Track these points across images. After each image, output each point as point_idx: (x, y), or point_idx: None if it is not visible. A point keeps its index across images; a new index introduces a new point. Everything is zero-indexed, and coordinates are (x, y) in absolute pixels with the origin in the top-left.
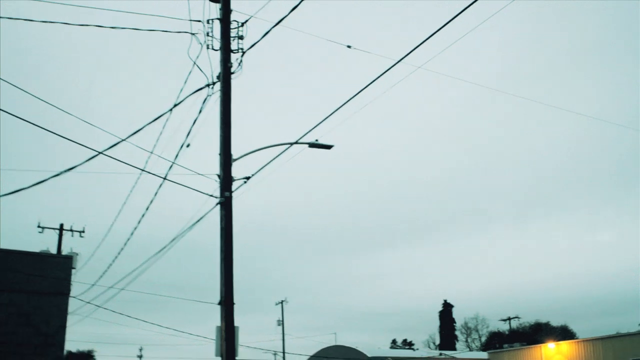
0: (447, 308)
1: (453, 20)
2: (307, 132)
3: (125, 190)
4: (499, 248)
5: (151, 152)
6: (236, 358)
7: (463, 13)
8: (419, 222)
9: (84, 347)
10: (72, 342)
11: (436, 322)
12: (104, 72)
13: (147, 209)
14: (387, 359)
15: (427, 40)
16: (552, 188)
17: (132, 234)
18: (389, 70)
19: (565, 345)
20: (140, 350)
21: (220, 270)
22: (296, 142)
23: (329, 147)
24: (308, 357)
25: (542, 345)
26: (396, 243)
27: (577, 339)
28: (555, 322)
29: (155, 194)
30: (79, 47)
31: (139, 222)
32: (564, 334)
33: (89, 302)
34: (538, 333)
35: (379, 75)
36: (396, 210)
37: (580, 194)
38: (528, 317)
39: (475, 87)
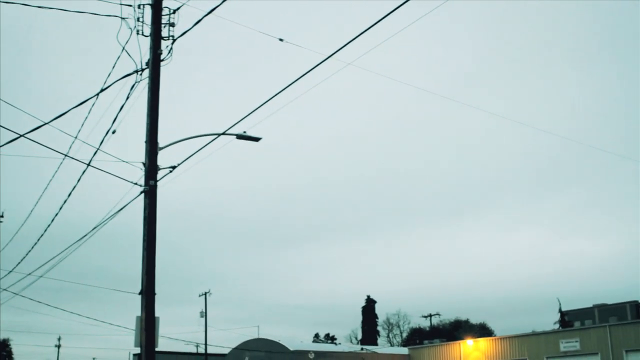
0: (369, 304)
1: (387, 18)
2: (236, 124)
3: (48, 175)
4: (422, 246)
5: (75, 137)
6: (156, 349)
7: (397, 12)
8: (344, 218)
9: None
10: None
11: (359, 318)
12: (29, 53)
13: (69, 195)
14: (309, 353)
15: (359, 38)
16: (472, 189)
17: (52, 220)
18: (320, 65)
19: (483, 342)
20: (59, 339)
21: (142, 259)
22: (224, 133)
23: (256, 139)
24: (230, 349)
25: (461, 341)
26: (321, 238)
27: (494, 336)
28: (474, 320)
29: (78, 180)
30: (3, 25)
31: (60, 208)
32: (482, 331)
33: (5, 290)
34: (458, 330)
35: (308, 70)
36: (321, 206)
37: (501, 196)
38: (448, 315)
39: (404, 87)
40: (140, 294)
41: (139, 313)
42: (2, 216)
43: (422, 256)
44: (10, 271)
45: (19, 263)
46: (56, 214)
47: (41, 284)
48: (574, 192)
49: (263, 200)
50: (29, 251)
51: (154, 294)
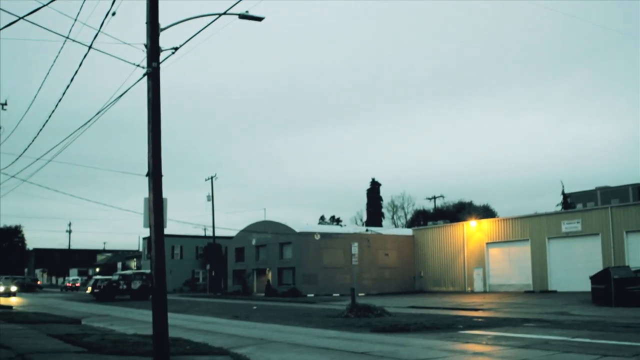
0: (374, 186)
1: None
2: (237, 3)
3: (49, 60)
4: (426, 129)
5: (75, 19)
6: (165, 232)
7: None
8: (348, 101)
9: (11, 222)
10: None
11: (364, 200)
12: None
13: (71, 79)
14: (315, 234)
15: None
16: (479, 71)
17: (56, 105)
18: None
19: (486, 223)
20: (70, 225)
21: (148, 141)
22: (225, 13)
23: (259, 19)
24: (237, 231)
25: (465, 223)
26: (326, 122)
27: (497, 217)
28: (478, 202)
29: (80, 64)
30: None
31: (64, 93)
32: (485, 213)
33: (13, 176)
34: (461, 212)
35: None
36: (326, 89)
37: (505, 79)
38: (452, 197)
39: None
40: (147, 175)
41: (147, 195)
42: (5, 104)
43: (426, 139)
44: (19, 157)
45: (26, 149)
46: (60, 99)
47: (49, 171)
48: (577, 76)
49: (267, 84)
50: (35, 137)
51: (160, 175)
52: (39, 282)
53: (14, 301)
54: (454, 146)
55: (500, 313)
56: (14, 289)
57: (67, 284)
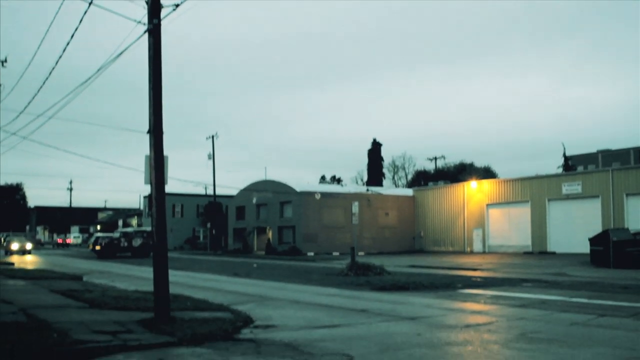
0: (375, 147)
1: None
2: None
3: (49, 17)
4: (428, 89)
5: None
6: (166, 191)
7: None
8: (352, 62)
9: (12, 180)
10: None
11: (365, 160)
12: None
13: (72, 36)
14: (315, 194)
15: None
16: (481, 32)
17: (57, 62)
18: None
19: (486, 184)
20: (71, 183)
21: (149, 99)
22: None
23: None
24: (238, 190)
25: (465, 183)
26: (329, 82)
27: (498, 179)
28: (479, 163)
29: (81, 20)
30: None
31: (64, 49)
32: (486, 174)
33: (14, 134)
34: (462, 173)
35: None
36: (330, 50)
37: (508, 41)
38: (453, 158)
39: None
40: (148, 132)
41: (148, 153)
42: (5, 61)
43: (428, 100)
44: (19, 114)
45: (27, 106)
46: (60, 56)
47: (51, 129)
48: (580, 39)
49: (269, 43)
50: (36, 94)
51: (161, 132)
52: (40, 240)
53: (28, 259)
54: (455, 107)
55: (499, 273)
56: (29, 246)
57: (58, 240)
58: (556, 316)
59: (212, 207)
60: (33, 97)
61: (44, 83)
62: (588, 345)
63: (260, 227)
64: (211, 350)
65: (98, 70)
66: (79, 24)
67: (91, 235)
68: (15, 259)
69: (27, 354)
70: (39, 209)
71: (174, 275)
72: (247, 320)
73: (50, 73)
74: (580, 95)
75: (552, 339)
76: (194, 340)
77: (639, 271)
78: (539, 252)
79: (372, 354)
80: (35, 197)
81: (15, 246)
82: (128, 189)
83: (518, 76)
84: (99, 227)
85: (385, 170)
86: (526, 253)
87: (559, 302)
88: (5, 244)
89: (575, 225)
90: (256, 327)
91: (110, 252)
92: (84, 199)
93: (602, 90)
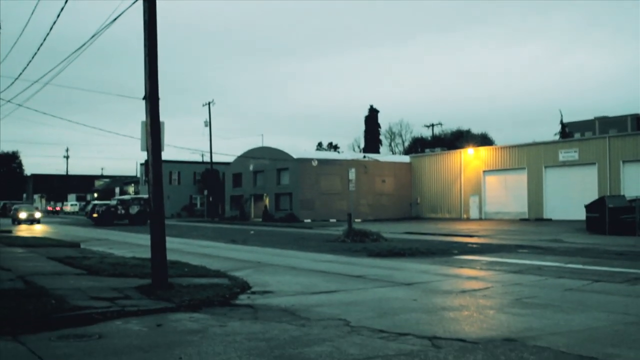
0: (372, 113)
1: None
2: None
3: None
4: (426, 56)
5: None
6: (163, 158)
7: None
8: (349, 29)
9: (8, 148)
10: None
11: (361, 127)
12: None
13: (65, 1)
14: (312, 160)
15: None
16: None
17: (51, 28)
18: None
19: (483, 151)
20: (67, 151)
21: (144, 64)
22: None
23: None
24: (235, 157)
25: (462, 150)
26: (325, 49)
27: (495, 145)
28: (476, 130)
29: None
30: None
31: (58, 15)
32: (483, 141)
33: (9, 101)
34: (459, 139)
35: None
36: (326, 16)
37: (505, 8)
38: (450, 124)
39: None
40: (144, 99)
41: (144, 119)
42: None
43: (425, 67)
44: (14, 80)
45: (22, 72)
46: (54, 22)
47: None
48: (578, 6)
49: (266, 10)
50: (30, 60)
51: (157, 98)
52: (37, 208)
53: (38, 229)
54: (453, 74)
55: (495, 240)
56: (38, 215)
57: (48, 208)
58: (551, 282)
59: (209, 174)
60: (28, 64)
61: (38, 49)
62: (583, 310)
63: (257, 194)
64: (209, 315)
65: (93, 36)
66: None
67: (88, 203)
68: (23, 229)
69: (26, 320)
70: (36, 177)
71: (171, 243)
72: (245, 287)
73: (44, 39)
74: (579, 63)
75: (547, 304)
76: (192, 306)
77: (634, 238)
78: (535, 218)
79: (368, 319)
80: (32, 165)
81: (23, 215)
82: (125, 157)
83: (516, 43)
84: (96, 194)
85: (382, 137)
86: (522, 220)
87: (554, 268)
88: (12, 212)
89: (571, 192)
90: (253, 293)
91: (108, 219)
92: (80, 166)
93: (601, 58)
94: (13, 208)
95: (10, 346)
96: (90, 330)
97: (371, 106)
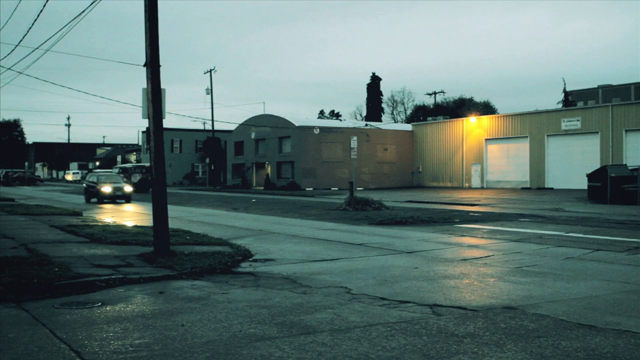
0: (375, 81)
1: None
2: None
3: None
4: (428, 24)
5: None
6: (164, 126)
7: None
8: None
9: (9, 117)
10: None
11: (364, 95)
12: None
13: None
14: (314, 128)
15: None
16: None
17: None
18: None
19: (485, 120)
20: (68, 119)
21: (145, 31)
22: None
23: None
24: (237, 125)
25: (464, 119)
26: (328, 16)
27: (497, 114)
28: (478, 98)
29: None
30: None
31: None
32: (485, 109)
33: (10, 69)
34: (461, 108)
35: None
36: None
37: None
38: (452, 93)
39: None
40: (145, 65)
41: (145, 86)
42: None
43: (428, 35)
44: (15, 47)
45: (22, 39)
46: None
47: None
48: None
49: None
50: (30, 27)
51: (158, 65)
52: (39, 177)
53: (129, 209)
54: (455, 42)
55: (496, 208)
56: (128, 189)
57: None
58: (552, 250)
59: (210, 142)
60: (28, 30)
61: (38, 15)
62: (583, 278)
63: (259, 162)
64: (211, 283)
65: (92, 2)
66: None
67: (90, 171)
68: (127, 212)
69: (29, 287)
70: (38, 145)
71: (173, 211)
72: (246, 254)
73: (44, 5)
74: (582, 30)
75: (547, 273)
76: (194, 274)
77: (635, 207)
78: (537, 187)
79: (369, 287)
80: (34, 133)
81: (107, 189)
82: (126, 125)
83: (519, 10)
84: (97, 163)
85: (384, 105)
86: (524, 189)
87: (555, 237)
88: (90, 185)
89: (573, 161)
90: (255, 260)
91: None
92: (82, 135)
93: (604, 25)
94: (89, 179)
95: (13, 313)
96: (93, 297)
97: (373, 74)
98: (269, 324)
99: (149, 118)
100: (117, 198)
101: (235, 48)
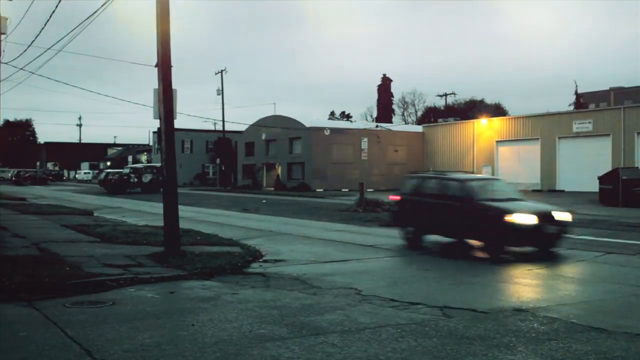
0: (385, 82)
1: None
2: None
3: None
4: (439, 25)
5: None
6: (175, 126)
7: None
8: None
9: (22, 116)
10: (10, 111)
11: (374, 96)
12: None
13: None
14: (325, 129)
15: None
16: None
17: None
18: None
19: (496, 122)
20: (80, 119)
21: (156, 29)
22: None
23: None
24: (247, 126)
25: (475, 120)
26: (339, 17)
27: (508, 116)
28: (489, 100)
29: None
30: None
31: None
32: (497, 111)
33: (22, 69)
34: (472, 109)
35: None
36: None
37: None
38: (463, 94)
39: None
40: (156, 66)
41: (156, 87)
42: None
43: (439, 36)
44: (27, 47)
45: (34, 40)
46: None
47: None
48: None
49: None
50: (43, 27)
51: (170, 65)
52: (50, 177)
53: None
54: (466, 44)
55: None
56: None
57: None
58: (564, 253)
59: (221, 143)
60: (40, 31)
61: (50, 16)
62: (594, 281)
63: (269, 163)
64: (221, 283)
65: (104, 2)
66: None
67: (101, 171)
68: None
69: (41, 286)
70: (49, 145)
71: (183, 211)
72: (257, 255)
73: (57, 6)
74: (594, 32)
75: (559, 275)
76: (204, 274)
77: None
78: (548, 189)
79: (379, 288)
80: (45, 133)
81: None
82: (138, 125)
83: (531, 11)
84: (108, 163)
85: (394, 107)
86: (535, 191)
87: (566, 240)
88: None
89: (584, 164)
90: (265, 261)
91: (120, 187)
92: (93, 135)
93: (617, 27)
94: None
95: (25, 312)
96: (104, 296)
97: (384, 75)
98: (279, 324)
99: (160, 118)
100: None
101: (246, 50)
